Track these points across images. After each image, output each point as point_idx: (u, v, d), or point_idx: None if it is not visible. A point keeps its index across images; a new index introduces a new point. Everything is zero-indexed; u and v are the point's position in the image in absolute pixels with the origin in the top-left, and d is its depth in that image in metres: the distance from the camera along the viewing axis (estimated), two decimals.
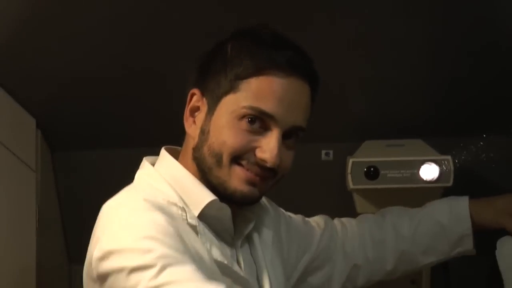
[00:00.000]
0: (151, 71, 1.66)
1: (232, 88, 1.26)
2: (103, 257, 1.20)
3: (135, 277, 1.15)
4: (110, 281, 1.19)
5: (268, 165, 1.26)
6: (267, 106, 1.25)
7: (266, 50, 1.27)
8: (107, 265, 1.19)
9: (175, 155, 1.35)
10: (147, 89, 1.82)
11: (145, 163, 1.35)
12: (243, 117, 1.25)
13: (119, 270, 1.17)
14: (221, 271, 1.29)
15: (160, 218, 1.21)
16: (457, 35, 1.75)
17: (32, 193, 1.90)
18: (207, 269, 1.26)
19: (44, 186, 1.96)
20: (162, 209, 1.26)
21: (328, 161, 1.97)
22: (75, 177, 2.07)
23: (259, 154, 1.26)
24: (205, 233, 1.28)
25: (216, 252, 1.28)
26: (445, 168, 1.79)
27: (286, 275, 1.47)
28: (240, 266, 1.34)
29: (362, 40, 1.77)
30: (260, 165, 1.27)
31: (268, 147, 1.26)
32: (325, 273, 1.56)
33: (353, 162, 1.82)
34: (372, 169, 1.80)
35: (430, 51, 1.81)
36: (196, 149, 1.31)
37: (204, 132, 1.29)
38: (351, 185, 1.82)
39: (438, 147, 1.85)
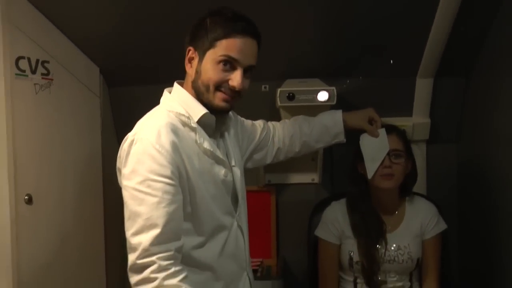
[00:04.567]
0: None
1: (211, 46, 1.53)
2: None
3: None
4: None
5: (236, 89, 1.55)
6: (234, 54, 1.53)
7: (230, 23, 1.53)
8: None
9: (182, 84, 1.63)
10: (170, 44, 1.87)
11: (165, 92, 1.66)
12: (219, 62, 1.54)
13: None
14: (208, 155, 1.59)
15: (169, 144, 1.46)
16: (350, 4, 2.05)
17: (98, 109, 2.40)
18: (199, 155, 1.56)
19: (104, 107, 2.43)
20: (174, 128, 1.48)
21: (265, 91, 2.36)
22: (124, 104, 2.49)
23: (231, 83, 1.55)
24: (200, 132, 1.59)
25: (206, 143, 1.59)
26: (331, 94, 2.20)
27: (241, 155, 1.84)
28: (219, 151, 1.65)
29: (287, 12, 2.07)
30: (231, 90, 1.56)
31: (236, 79, 1.54)
32: (263, 153, 1.99)
33: (280, 91, 2.22)
34: (291, 94, 2.20)
35: (326, 19, 2.12)
36: (194, 82, 1.57)
37: (197, 72, 1.55)
38: (278, 103, 2.22)
39: (328, 82, 2.27)
